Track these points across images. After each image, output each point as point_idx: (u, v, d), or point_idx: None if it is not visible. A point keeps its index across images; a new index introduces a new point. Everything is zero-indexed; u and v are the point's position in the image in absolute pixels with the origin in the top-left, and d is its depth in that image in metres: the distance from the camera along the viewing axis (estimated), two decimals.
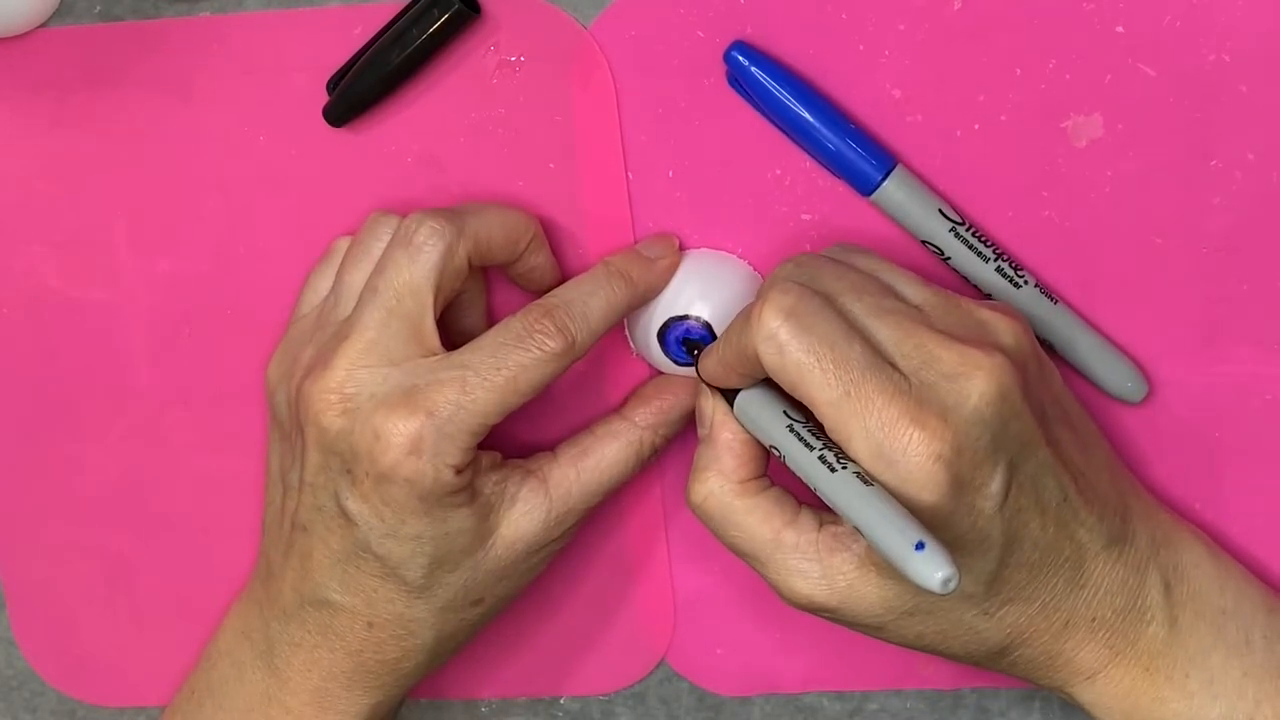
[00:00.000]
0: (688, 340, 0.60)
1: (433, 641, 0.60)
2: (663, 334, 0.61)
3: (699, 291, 0.61)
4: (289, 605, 0.60)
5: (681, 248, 0.62)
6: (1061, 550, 0.55)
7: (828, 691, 0.66)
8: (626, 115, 0.61)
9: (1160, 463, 0.62)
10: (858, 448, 0.52)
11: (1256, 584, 0.59)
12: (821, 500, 0.53)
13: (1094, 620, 0.56)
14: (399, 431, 0.56)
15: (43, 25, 0.63)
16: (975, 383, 0.52)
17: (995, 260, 0.59)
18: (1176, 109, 0.58)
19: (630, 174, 0.62)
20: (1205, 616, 0.57)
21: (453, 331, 0.62)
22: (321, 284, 0.62)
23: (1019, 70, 0.59)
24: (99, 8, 0.63)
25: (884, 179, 0.59)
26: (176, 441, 0.67)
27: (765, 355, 0.53)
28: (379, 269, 0.58)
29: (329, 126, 0.62)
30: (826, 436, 0.53)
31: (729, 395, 0.57)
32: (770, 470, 0.57)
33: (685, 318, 0.60)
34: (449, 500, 0.57)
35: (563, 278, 0.62)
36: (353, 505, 0.57)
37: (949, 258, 0.59)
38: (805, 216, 0.61)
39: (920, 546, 0.48)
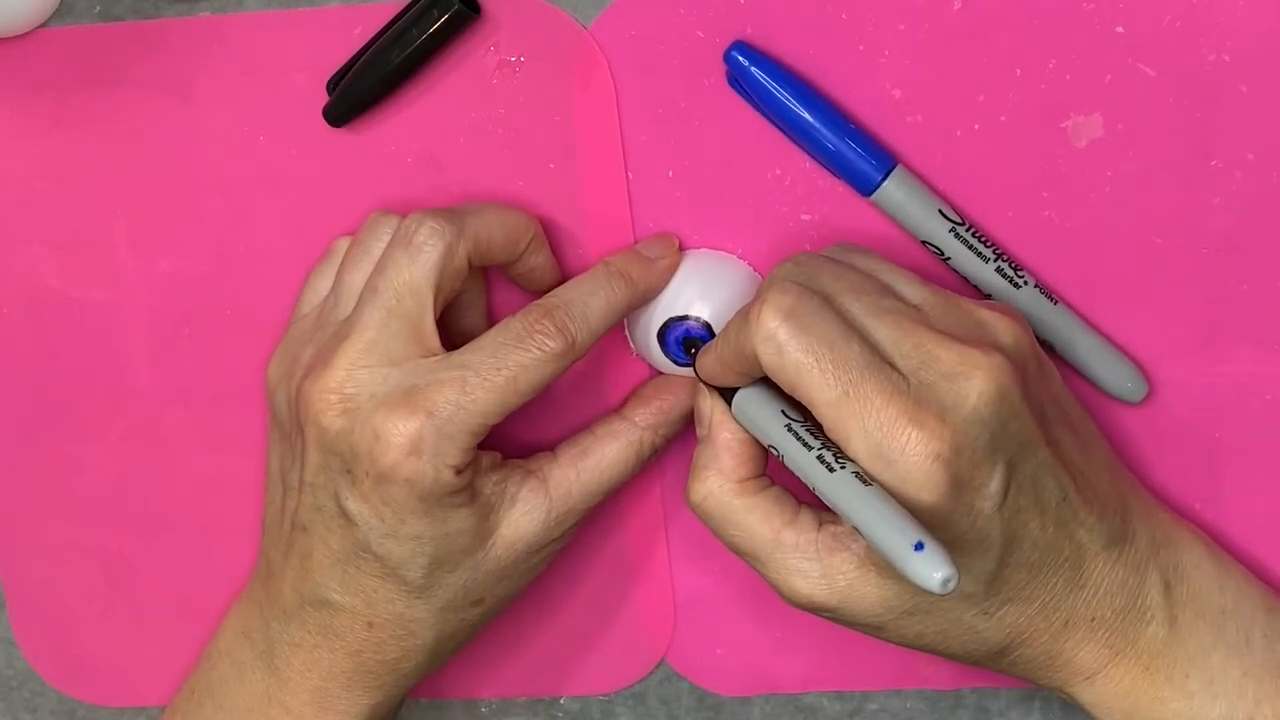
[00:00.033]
0: (687, 340, 0.60)
1: (433, 641, 0.60)
2: (662, 334, 0.61)
3: (699, 291, 0.61)
4: (289, 605, 0.60)
5: (681, 248, 0.62)
6: (1061, 550, 0.55)
7: (828, 691, 0.66)
8: (626, 115, 0.61)
9: (1160, 463, 0.62)
10: (856, 447, 0.52)
11: (1256, 584, 0.59)
12: (821, 500, 0.53)
13: (1094, 620, 0.56)
14: (399, 431, 0.56)
15: (43, 25, 0.63)
16: (974, 382, 0.52)
17: (995, 260, 0.59)
18: (1176, 109, 0.58)
19: (630, 174, 0.62)
20: (1205, 616, 0.57)
21: (453, 331, 0.62)
22: (321, 284, 0.62)
23: (1019, 70, 0.59)
24: (99, 8, 0.63)
25: (884, 179, 0.59)
26: (176, 441, 0.67)
27: (764, 355, 0.53)
28: (379, 269, 0.58)
29: (329, 126, 0.62)
30: (825, 436, 0.53)
31: (727, 395, 0.57)
32: (770, 470, 0.57)
33: (685, 318, 0.60)
34: (449, 500, 0.57)
35: (563, 278, 0.62)
36: (353, 505, 0.57)
37: (949, 258, 0.59)
38: (805, 216, 0.61)
39: (919, 546, 0.48)
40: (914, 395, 0.52)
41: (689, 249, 0.62)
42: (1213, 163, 0.59)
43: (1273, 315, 0.60)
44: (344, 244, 0.62)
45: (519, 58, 0.61)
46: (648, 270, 0.60)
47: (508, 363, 0.56)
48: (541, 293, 0.59)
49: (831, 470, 0.52)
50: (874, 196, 0.59)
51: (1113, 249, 0.60)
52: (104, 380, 0.66)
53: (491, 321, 0.62)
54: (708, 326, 0.60)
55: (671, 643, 0.66)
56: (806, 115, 0.59)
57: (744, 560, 0.57)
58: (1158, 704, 0.57)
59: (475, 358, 0.56)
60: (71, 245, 0.65)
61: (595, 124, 0.61)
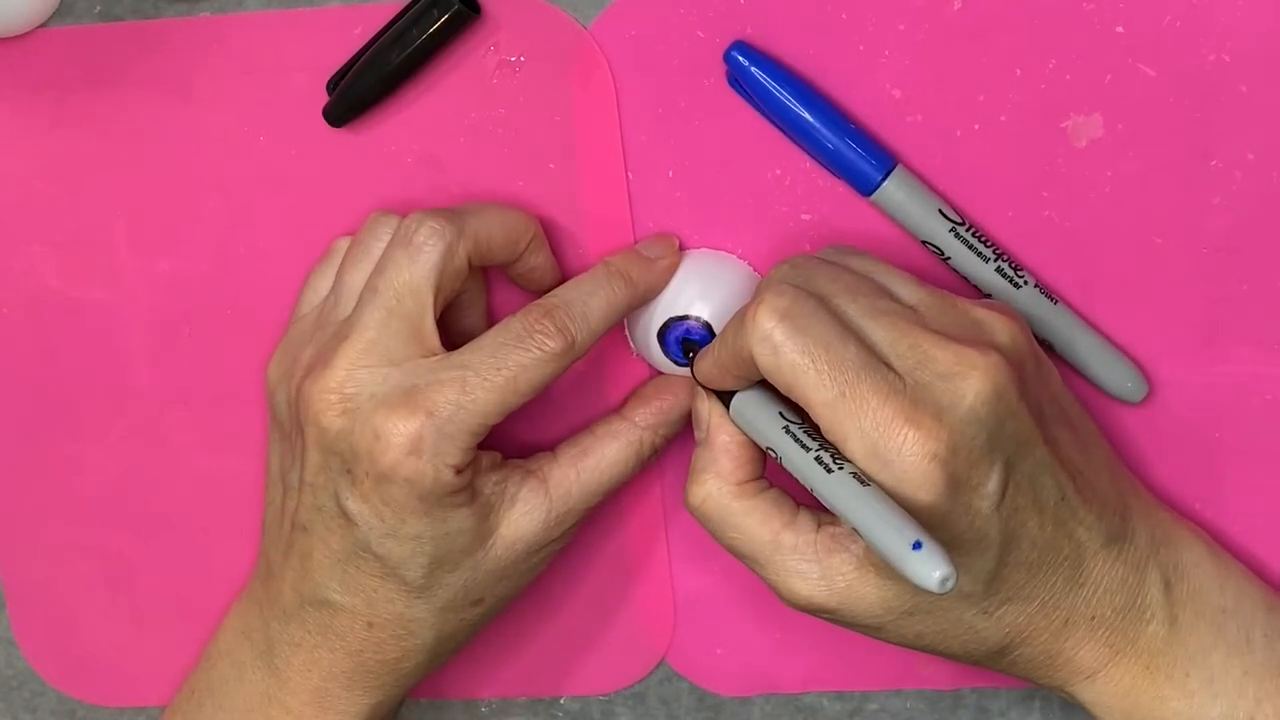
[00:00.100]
0: (687, 341, 0.60)
1: (433, 641, 0.60)
2: (662, 334, 0.61)
3: (699, 291, 0.61)
4: (289, 605, 0.60)
5: (681, 248, 0.62)
6: (1060, 549, 0.55)
7: (828, 691, 0.66)
8: (626, 115, 0.61)
9: (1160, 463, 0.62)
10: (853, 448, 0.52)
11: (1256, 582, 0.59)
12: (820, 501, 0.53)
13: (1094, 619, 0.56)
14: (399, 431, 0.56)
15: (43, 25, 0.63)
16: (970, 382, 0.52)
17: (995, 260, 0.59)
18: (1176, 109, 0.58)
19: (630, 174, 0.62)
20: (1205, 615, 0.57)
21: (453, 331, 0.62)
22: (321, 284, 0.62)
23: (1019, 70, 0.59)
24: (99, 8, 0.63)
25: (884, 179, 0.59)
26: (176, 441, 0.67)
27: (760, 357, 0.53)
28: (379, 269, 0.58)
29: (329, 126, 0.62)
30: (822, 437, 0.53)
31: (725, 398, 0.57)
32: (768, 472, 0.57)
33: (685, 318, 0.60)
34: (449, 500, 0.57)
35: (563, 278, 0.62)
36: (353, 505, 0.57)
37: (949, 258, 0.59)
38: (805, 216, 0.61)
39: (918, 546, 0.48)
40: (910, 395, 0.52)
41: (689, 249, 0.62)
42: (1213, 163, 0.59)
43: (1273, 315, 0.60)
44: (344, 244, 0.62)
45: (519, 58, 0.61)
46: (648, 270, 0.60)
47: (508, 363, 0.56)
48: (541, 293, 0.59)
49: (829, 471, 0.52)
50: (874, 196, 0.59)
51: (1113, 249, 0.60)
52: (104, 380, 0.66)
53: (491, 321, 0.62)
54: (708, 326, 0.60)
55: (671, 643, 0.66)
56: (806, 115, 0.59)
57: (743, 562, 0.57)
58: (1158, 703, 0.57)
59: (475, 358, 0.56)
60: (71, 245, 0.65)
61: (595, 124, 0.61)
